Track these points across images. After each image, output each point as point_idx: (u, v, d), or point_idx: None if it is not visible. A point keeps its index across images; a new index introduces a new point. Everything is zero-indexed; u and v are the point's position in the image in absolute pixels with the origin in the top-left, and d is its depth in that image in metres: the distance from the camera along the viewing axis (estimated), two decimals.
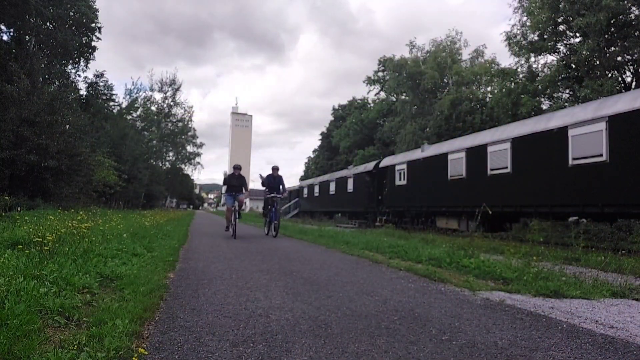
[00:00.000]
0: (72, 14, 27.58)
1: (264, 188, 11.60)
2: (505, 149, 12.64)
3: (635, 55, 20.23)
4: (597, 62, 20.90)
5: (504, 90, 25.88)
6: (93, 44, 30.02)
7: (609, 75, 20.75)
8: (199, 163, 48.77)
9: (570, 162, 10.39)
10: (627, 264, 5.72)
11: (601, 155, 9.66)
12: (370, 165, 23.29)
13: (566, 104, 21.81)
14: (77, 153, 18.15)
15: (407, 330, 2.69)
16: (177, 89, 43.12)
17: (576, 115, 10.71)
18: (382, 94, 46.53)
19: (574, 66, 21.94)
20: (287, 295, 3.67)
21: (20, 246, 4.47)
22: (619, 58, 20.67)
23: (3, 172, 15.76)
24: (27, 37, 24.51)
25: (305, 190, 35.25)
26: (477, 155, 13.91)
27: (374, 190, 21.97)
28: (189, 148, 47.85)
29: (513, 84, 25.53)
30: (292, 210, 37.84)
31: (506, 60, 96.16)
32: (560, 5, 21.70)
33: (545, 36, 23.01)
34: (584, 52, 20.72)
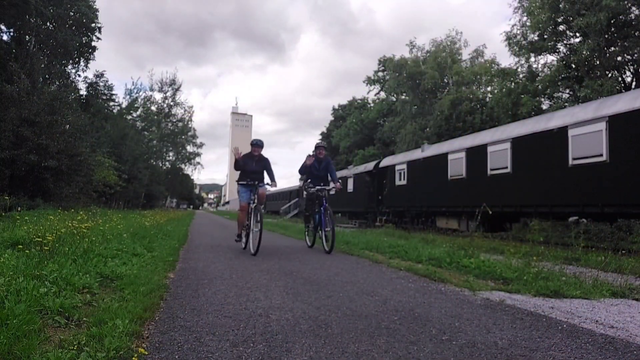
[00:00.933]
0: (72, 14, 27.58)
1: (303, 179, 8.47)
2: (505, 149, 12.64)
3: (635, 55, 20.23)
4: (597, 62, 20.90)
5: (504, 90, 25.89)
6: (93, 44, 30.04)
7: (609, 75, 20.75)
8: (199, 163, 48.81)
9: (570, 162, 10.39)
10: (627, 264, 5.71)
11: (601, 155, 9.66)
12: (370, 165, 23.28)
13: (566, 104, 21.81)
14: (77, 153, 18.16)
15: (407, 330, 2.69)
16: (177, 89, 43.20)
17: (576, 115, 10.70)
18: (382, 94, 46.58)
19: (574, 66, 21.94)
20: (287, 295, 3.67)
21: (20, 246, 4.47)
22: (619, 58, 20.67)
23: (3, 172, 15.77)
24: (27, 37, 24.51)
25: None
26: (477, 155, 13.91)
27: (374, 190, 21.97)
28: (189, 148, 47.90)
29: (513, 84, 25.54)
30: (292, 210, 37.87)
31: (506, 60, 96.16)
32: (560, 5, 21.70)
33: (545, 36, 23.01)
34: (584, 52, 20.72)
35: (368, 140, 47.40)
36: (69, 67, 29.63)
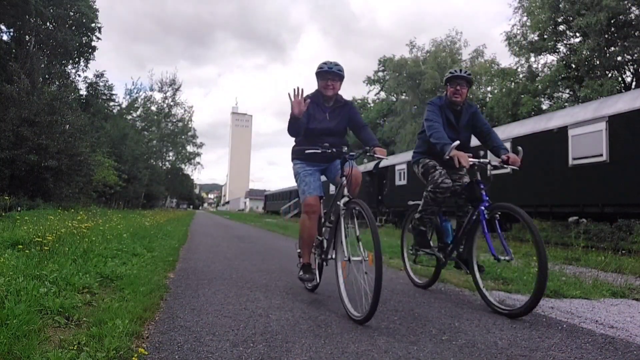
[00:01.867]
0: (72, 14, 27.62)
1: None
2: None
3: (635, 55, 20.24)
4: (597, 62, 20.91)
5: (504, 90, 25.91)
6: (93, 44, 30.10)
7: (609, 75, 20.77)
8: (199, 163, 48.87)
9: (570, 162, 10.39)
10: (627, 264, 5.72)
11: (601, 155, 9.66)
12: (370, 165, 23.29)
13: (566, 104, 21.83)
14: (77, 153, 18.17)
15: (407, 330, 2.69)
16: (177, 89, 43.25)
17: (576, 115, 10.71)
18: (382, 94, 46.61)
19: (574, 66, 21.96)
20: (287, 295, 3.67)
21: (20, 246, 4.47)
22: (619, 58, 20.68)
23: (3, 172, 15.77)
24: (27, 37, 24.53)
25: None
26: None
27: (374, 190, 21.98)
28: (189, 148, 47.95)
29: (513, 84, 25.56)
30: (292, 210, 37.88)
31: (506, 60, 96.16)
32: (560, 5, 21.72)
33: (546, 36, 23.02)
34: (584, 52, 20.73)
35: None
36: (69, 67, 29.71)
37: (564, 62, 22.52)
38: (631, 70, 21.58)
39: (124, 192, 30.20)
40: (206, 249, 7.53)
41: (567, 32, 22.75)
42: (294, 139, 3.71)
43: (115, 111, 35.51)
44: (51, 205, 15.13)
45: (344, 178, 3.26)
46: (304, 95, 3.34)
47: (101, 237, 6.04)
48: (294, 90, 3.28)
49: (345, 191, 3.22)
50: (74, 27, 27.74)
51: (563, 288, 4.15)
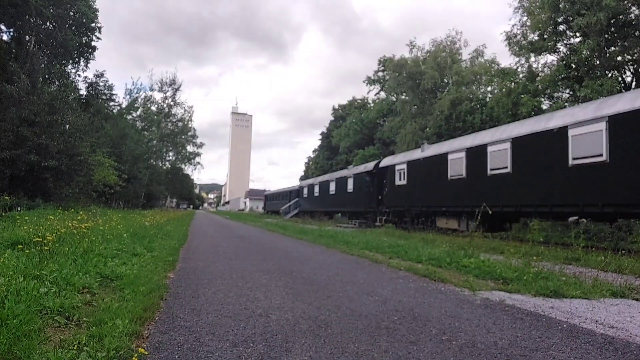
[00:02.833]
0: (72, 14, 27.61)
1: None
2: (505, 148, 12.63)
3: (635, 55, 20.24)
4: (597, 62, 20.91)
5: (504, 90, 25.89)
6: (93, 43, 30.08)
7: (609, 75, 20.75)
8: (199, 163, 48.85)
9: (570, 162, 10.38)
10: (627, 264, 5.71)
11: (601, 155, 9.65)
12: (370, 165, 23.28)
13: (566, 104, 21.81)
14: (77, 153, 18.16)
15: (407, 330, 2.69)
16: (177, 89, 43.23)
17: (576, 115, 10.71)
18: (382, 94, 46.62)
19: (574, 66, 21.94)
20: (287, 295, 3.67)
21: (20, 246, 4.47)
22: (619, 58, 20.67)
23: (3, 172, 15.76)
24: (27, 37, 24.52)
25: (305, 190, 35.26)
26: (477, 155, 13.91)
27: (374, 190, 21.97)
28: (189, 148, 47.91)
29: (513, 83, 25.53)
30: (292, 210, 37.88)
31: (506, 60, 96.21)
32: (561, 5, 21.72)
33: (546, 36, 23.01)
34: (584, 52, 20.72)
35: (368, 140, 47.40)
36: (69, 67, 29.69)
37: (564, 62, 22.50)
38: (631, 70, 21.57)
39: (124, 192, 30.19)
40: (206, 249, 7.53)
41: (567, 32, 22.74)
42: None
43: (115, 111, 35.49)
44: (51, 205, 15.13)
45: None
46: None
47: (101, 237, 6.04)
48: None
49: None
50: (74, 27, 27.74)
51: (563, 288, 4.15)
